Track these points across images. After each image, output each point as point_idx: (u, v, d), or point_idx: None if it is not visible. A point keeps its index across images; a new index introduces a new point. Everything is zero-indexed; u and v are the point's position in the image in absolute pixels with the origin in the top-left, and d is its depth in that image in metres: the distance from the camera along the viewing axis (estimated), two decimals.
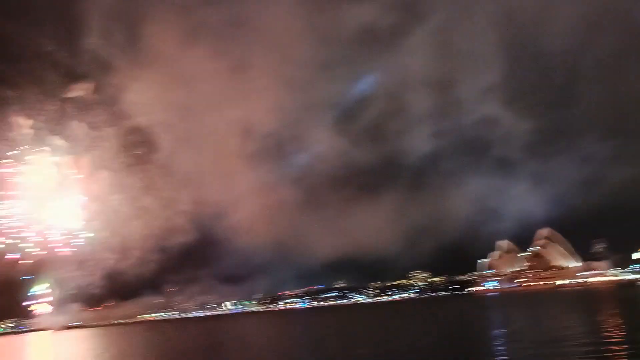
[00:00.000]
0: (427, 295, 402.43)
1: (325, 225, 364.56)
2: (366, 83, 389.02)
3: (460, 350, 44.74)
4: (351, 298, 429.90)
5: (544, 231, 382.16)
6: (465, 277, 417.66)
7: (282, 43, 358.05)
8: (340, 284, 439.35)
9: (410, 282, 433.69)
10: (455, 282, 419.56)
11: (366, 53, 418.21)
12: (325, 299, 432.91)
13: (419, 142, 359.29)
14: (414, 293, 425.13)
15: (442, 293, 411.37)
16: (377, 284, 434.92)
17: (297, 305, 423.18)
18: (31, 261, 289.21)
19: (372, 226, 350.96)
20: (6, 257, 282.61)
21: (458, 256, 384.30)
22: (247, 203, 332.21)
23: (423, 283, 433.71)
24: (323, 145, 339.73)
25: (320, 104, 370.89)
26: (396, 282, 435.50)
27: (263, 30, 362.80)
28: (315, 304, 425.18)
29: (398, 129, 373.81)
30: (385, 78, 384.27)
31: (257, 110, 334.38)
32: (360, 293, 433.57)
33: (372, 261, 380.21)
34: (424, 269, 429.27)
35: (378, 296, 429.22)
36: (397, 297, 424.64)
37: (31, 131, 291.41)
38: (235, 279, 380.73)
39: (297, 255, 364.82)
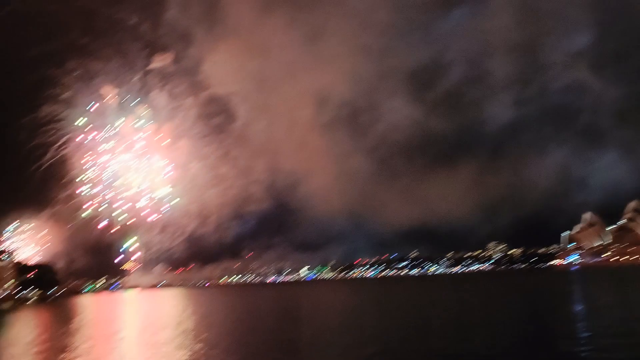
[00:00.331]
0: (503, 268, 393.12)
1: (400, 194, 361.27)
2: (444, 50, 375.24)
3: (540, 327, 43.65)
4: (425, 268, 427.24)
5: (633, 204, 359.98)
6: (546, 250, 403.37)
7: (359, 10, 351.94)
8: (414, 254, 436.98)
9: (486, 253, 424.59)
10: (535, 255, 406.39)
11: (445, 19, 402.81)
12: (399, 269, 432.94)
13: (499, 110, 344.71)
14: (490, 265, 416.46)
15: (520, 266, 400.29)
16: (452, 254, 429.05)
17: (370, 274, 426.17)
18: (120, 225, 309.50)
19: (448, 196, 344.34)
20: (97, 220, 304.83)
21: (538, 228, 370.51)
22: (321, 172, 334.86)
23: (500, 255, 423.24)
24: (398, 114, 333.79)
25: (396, 72, 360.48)
26: (472, 253, 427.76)
27: None
28: (388, 272, 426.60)
29: (477, 97, 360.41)
30: (465, 44, 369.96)
31: (333, 79, 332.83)
32: (435, 263, 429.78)
33: (448, 231, 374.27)
34: (501, 240, 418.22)
35: (453, 267, 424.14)
36: (472, 268, 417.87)
37: (116, 101, 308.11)
38: (310, 246, 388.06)
39: (371, 224, 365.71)
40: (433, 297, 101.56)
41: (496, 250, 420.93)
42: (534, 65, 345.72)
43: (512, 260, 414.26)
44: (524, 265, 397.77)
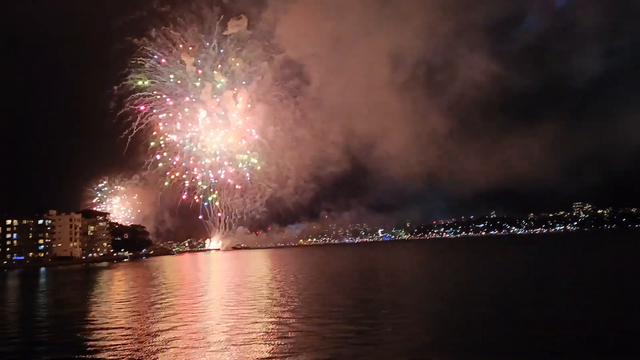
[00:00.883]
0: (589, 229, 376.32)
1: (479, 154, 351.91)
2: (525, 0, 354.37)
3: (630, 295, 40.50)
4: (505, 229, 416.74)
5: None
6: (637, 210, 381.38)
7: None
8: (493, 215, 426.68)
9: (571, 214, 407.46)
10: (626, 215, 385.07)
11: None
12: (477, 230, 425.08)
13: (586, 63, 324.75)
14: (574, 226, 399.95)
15: (608, 226, 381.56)
16: (534, 215, 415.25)
17: (447, 235, 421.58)
18: (203, 189, 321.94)
19: (529, 155, 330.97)
20: (182, 185, 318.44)
21: (628, 187, 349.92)
22: (398, 133, 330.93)
23: (586, 215, 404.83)
24: (476, 70, 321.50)
25: (473, 26, 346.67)
26: (555, 214, 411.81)
27: None
28: (466, 234, 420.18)
29: (562, 50, 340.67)
30: None
31: (408, 37, 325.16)
32: (515, 224, 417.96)
33: (529, 192, 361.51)
34: (587, 200, 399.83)
35: (534, 228, 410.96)
36: (555, 229, 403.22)
37: (194, 68, 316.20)
38: (386, 207, 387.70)
39: (448, 185, 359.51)
40: (519, 259, 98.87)
41: (582, 211, 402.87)
42: (625, 12, 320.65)
43: (598, 220, 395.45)
44: (613, 226, 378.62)
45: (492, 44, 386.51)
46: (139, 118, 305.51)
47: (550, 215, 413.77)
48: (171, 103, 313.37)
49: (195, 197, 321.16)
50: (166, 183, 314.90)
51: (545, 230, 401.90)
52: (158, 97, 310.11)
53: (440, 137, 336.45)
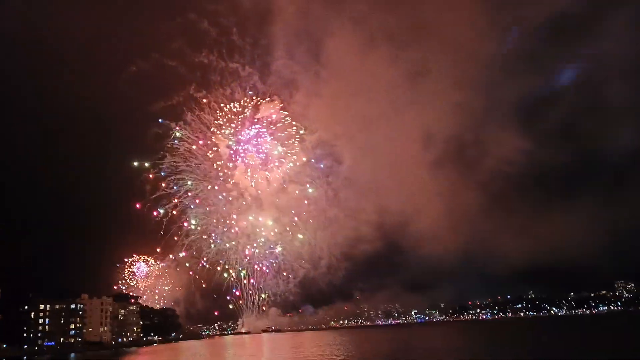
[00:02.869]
0: (634, 309, 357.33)
1: (514, 231, 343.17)
2: (555, 78, 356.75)
3: None
4: (544, 310, 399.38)
5: None
6: None
7: (463, 43, 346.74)
8: (531, 295, 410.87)
9: (614, 293, 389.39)
10: None
11: (554, 45, 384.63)
12: (514, 311, 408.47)
13: (622, 137, 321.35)
14: (618, 305, 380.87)
15: None
16: (574, 295, 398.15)
17: (483, 316, 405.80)
18: (235, 272, 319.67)
19: (567, 232, 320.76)
20: (214, 268, 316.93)
21: None
22: (430, 210, 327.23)
23: (629, 295, 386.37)
24: (508, 146, 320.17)
25: (504, 103, 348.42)
26: (597, 293, 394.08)
27: (442, 32, 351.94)
28: (504, 315, 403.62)
29: (595, 125, 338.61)
30: (577, 70, 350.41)
31: (438, 114, 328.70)
32: (555, 305, 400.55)
33: (568, 270, 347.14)
34: (629, 278, 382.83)
35: (575, 308, 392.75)
36: (598, 309, 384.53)
37: (227, 150, 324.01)
38: (420, 287, 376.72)
39: (484, 263, 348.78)
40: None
41: (625, 290, 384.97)
42: None
43: None
44: None
45: (524, 120, 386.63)
46: (173, 201, 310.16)
47: (592, 294, 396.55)
48: (207, 188, 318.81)
49: (227, 280, 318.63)
50: (200, 266, 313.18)
51: (587, 311, 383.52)
52: (193, 182, 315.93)
53: (474, 214, 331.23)
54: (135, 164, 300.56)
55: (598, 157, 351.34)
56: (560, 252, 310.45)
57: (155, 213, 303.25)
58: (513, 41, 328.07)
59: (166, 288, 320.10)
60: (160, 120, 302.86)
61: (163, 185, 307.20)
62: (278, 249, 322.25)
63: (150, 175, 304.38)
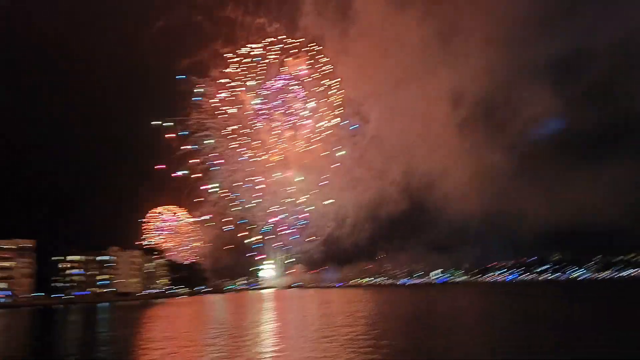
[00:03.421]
0: None
1: (541, 193, 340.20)
2: (590, 37, 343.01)
3: None
4: (569, 273, 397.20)
5: None
6: None
7: (494, 1, 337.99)
8: (556, 257, 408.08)
9: None
10: None
11: (592, 2, 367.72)
12: (539, 273, 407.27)
13: None
14: None
15: None
16: (600, 258, 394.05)
17: (507, 278, 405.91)
18: (261, 227, 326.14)
19: (596, 195, 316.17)
20: (241, 223, 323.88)
21: None
22: (457, 172, 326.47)
23: None
24: (539, 108, 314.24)
25: (535, 63, 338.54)
26: (624, 257, 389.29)
27: None
28: (527, 277, 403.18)
29: (630, 86, 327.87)
30: (614, 29, 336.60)
31: (468, 75, 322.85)
32: (580, 268, 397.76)
33: (595, 233, 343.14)
34: None
35: (601, 272, 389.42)
36: (624, 274, 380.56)
37: (255, 107, 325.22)
38: (444, 248, 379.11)
39: (509, 225, 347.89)
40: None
41: None
42: None
43: None
44: None
45: (555, 80, 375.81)
46: (200, 158, 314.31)
47: (619, 258, 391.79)
48: (231, 145, 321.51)
49: (254, 235, 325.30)
50: (226, 221, 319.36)
51: (615, 274, 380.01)
52: (218, 138, 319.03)
53: (501, 176, 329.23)
54: (158, 122, 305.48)
55: (632, 120, 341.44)
56: (588, 215, 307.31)
57: (179, 172, 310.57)
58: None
59: (192, 244, 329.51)
60: (183, 76, 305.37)
61: (186, 143, 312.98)
62: (303, 208, 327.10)
63: (174, 134, 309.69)
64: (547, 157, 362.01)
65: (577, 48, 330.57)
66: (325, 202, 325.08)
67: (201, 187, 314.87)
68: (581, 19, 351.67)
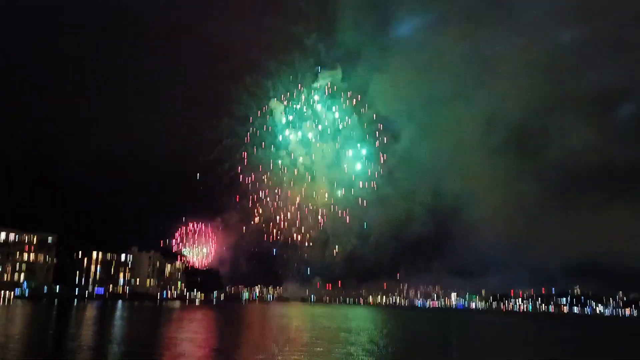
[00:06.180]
0: None
1: (569, 225, 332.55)
2: (633, 70, 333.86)
3: None
4: (589, 307, 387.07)
5: None
6: None
7: (537, 25, 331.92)
8: (577, 290, 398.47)
9: None
10: None
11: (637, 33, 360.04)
12: (558, 305, 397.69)
13: None
14: None
15: None
16: (623, 293, 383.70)
17: (525, 307, 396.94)
18: (283, 238, 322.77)
19: (626, 231, 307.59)
20: (262, 231, 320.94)
21: None
22: (486, 197, 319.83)
23: None
24: (575, 139, 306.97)
25: (575, 93, 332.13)
26: None
27: (516, 10, 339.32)
28: (545, 308, 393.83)
29: None
30: None
31: (504, 98, 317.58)
32: (601, 303, 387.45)
33: (620, 268, 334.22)
34: None
35: (623, 307, 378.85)
36: None
37: (283, 117, 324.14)
38: (464, 272, 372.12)
39: (532, 254, 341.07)
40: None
41: None
42: None
43: None
44: None
45: (594, 112, 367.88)
46: (228, 163, 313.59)
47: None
48: (259, 151, 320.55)
49: (275, 245, 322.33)
50: (249, 228, 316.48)
51: (635, 312, 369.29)
52: (247, 144, 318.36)
53: (531, 205, 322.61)
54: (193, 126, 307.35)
55: None
56: (616, 250, 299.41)
57: (207, 175, 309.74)
58: (596, 28, 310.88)
59: (207, 249, 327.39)
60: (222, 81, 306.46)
61: (218, 148, 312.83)
62: (327, 221, 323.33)
63: (208, 139, 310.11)
64: (579, 189, 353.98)
65: (619, 84, 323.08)
66: (349, 211, 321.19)
67: (229, 190, 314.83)
68: (629, 52, 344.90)
